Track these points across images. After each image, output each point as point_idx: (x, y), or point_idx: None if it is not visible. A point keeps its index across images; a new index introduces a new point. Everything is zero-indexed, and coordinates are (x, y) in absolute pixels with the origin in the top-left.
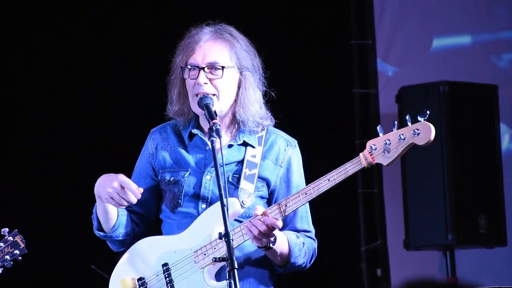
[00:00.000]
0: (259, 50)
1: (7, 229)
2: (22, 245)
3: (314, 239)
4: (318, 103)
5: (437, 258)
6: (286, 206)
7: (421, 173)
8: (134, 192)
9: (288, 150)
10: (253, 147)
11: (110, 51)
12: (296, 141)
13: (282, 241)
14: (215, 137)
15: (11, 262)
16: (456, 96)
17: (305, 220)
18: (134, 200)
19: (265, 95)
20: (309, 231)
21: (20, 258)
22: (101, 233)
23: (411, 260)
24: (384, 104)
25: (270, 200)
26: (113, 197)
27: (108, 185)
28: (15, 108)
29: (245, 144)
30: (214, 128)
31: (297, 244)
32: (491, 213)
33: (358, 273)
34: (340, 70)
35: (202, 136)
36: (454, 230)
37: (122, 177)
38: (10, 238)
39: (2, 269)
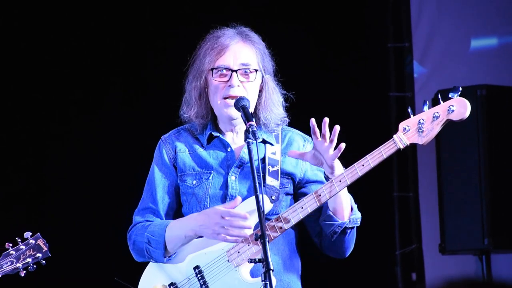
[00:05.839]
0: (290, 53)
1: (29, 232)
2: (45, 249)
3: None
4: (354, 106)
5: (472, 262)
6: (320, 195)
7: (457, 177)
8: (242, 216)
9: (306, 145)
10: (271, 144)
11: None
12: (310, 138)
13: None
14: (251, 139)
15: (34, 266)
16: (494, 99)
17: None
18: (249, 228)
19: (286, 99)
20: None
21: (43, 262)
22: (157, 260)
23: (446, 264)
24: (420, 108)
25: (296, 195)
26: (220, 233)
27: (212, 222)
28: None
29: (263, 142)
30: (250, 130)
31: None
32: None
33: (393, 277)
34: (376, 73)
35: (223, 138)
36: (491, 234)
37: (220, 209)
38: (32, 241)
39: (25, 272)
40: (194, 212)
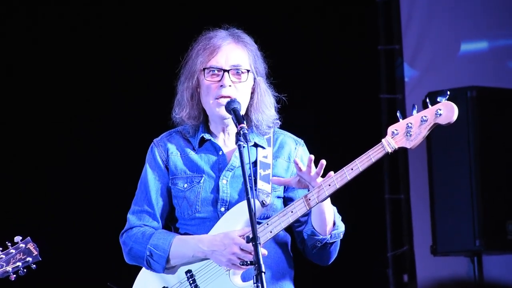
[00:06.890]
0: (281, 54)
1: (20, 236)
2: (35, 253)
3: None
4: (345, 108)
5: (464, 264)
6: (310, 199)
7: (448, 179)
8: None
9: (298, 148)
10: (263, 148)
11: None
12: (302, 140)
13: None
14: (242, 141)
15: (25, 270)
16: (484, 101)
17: None
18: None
19: (278, 101)
20: None
21: (34, 266)
22: (155, 271)
23: (438, 266)
24: (411, 110)
25: (285, 199)
26: (235, 263)
27: (228, 251)
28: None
29: (255, 145)
30: (241, 132)
31: (337, 216)
32: None
33: (385, 279)
34: (367, 75)
35: (214, 141)
36: (482, 236)
37: (239, 239)
38: (22, 245)
39: (15, 276)
40: (185, 216)
